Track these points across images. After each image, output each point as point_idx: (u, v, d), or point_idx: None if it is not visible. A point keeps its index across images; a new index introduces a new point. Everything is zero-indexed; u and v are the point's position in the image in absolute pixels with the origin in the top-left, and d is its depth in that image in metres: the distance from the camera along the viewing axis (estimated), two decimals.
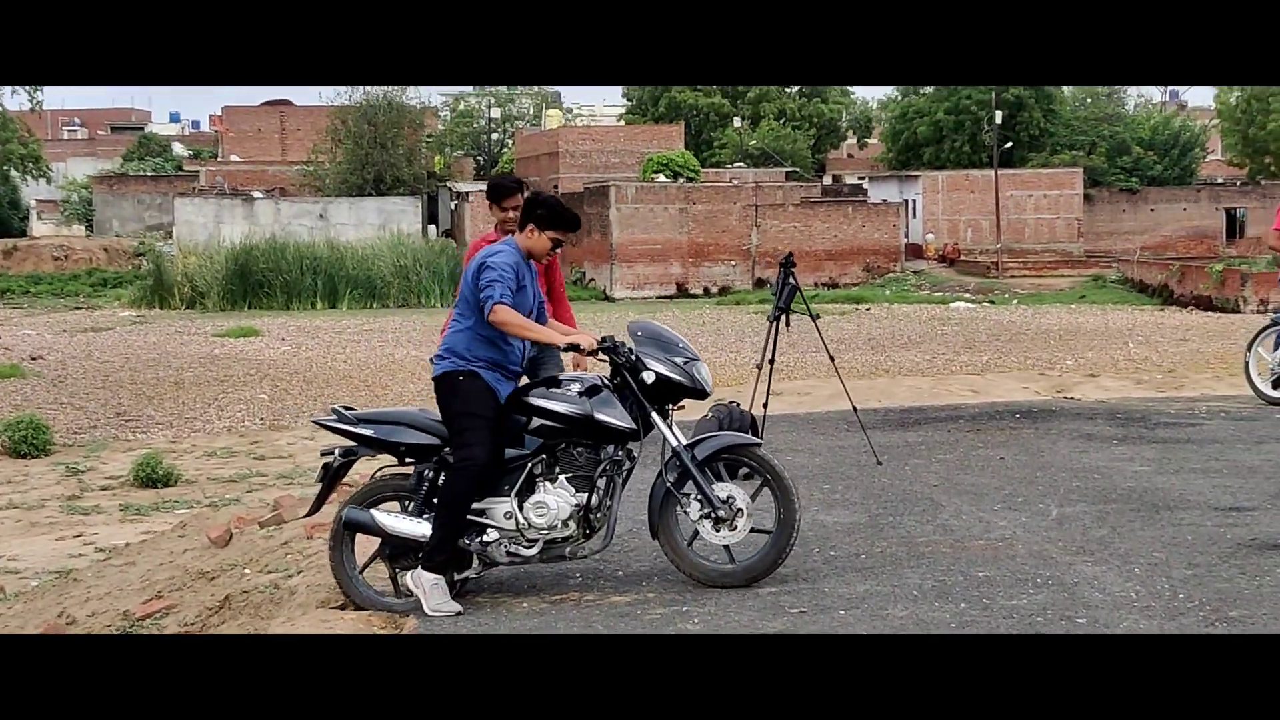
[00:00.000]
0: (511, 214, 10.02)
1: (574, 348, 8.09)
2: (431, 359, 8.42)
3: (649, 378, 8.09)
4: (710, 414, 11.30)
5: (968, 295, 64.44)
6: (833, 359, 13.12)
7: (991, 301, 62.05)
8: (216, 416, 27.40)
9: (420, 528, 8.06)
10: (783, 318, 12.16)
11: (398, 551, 8.17)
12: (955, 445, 12.86)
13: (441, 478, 8.21)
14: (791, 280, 12.10)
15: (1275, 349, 15.03)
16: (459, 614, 7.86)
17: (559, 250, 8.52)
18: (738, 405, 11.46)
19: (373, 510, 8.18)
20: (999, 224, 78.45)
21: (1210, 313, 55.20)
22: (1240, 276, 57.01)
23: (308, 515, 9.38)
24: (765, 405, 12.13)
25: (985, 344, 42.38)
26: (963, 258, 77.86)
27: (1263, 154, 79.21)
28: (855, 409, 12.72)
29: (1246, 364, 15.36)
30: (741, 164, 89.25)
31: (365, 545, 8.31)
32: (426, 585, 7.94)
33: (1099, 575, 8.14)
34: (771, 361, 12.16)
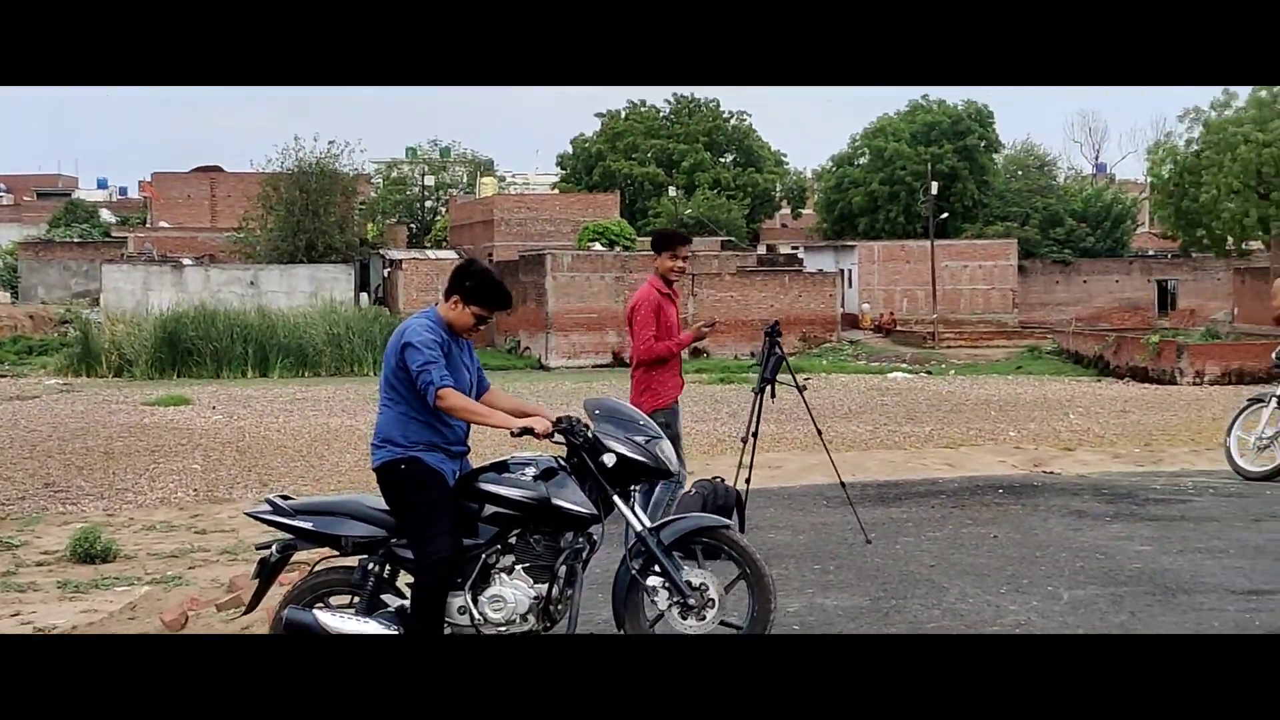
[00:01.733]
0: (683, 263, 10.86)
1: (528, 432, 7.49)
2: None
3: (609, 460, 7.55)
4: (694, 489, 10.77)
5: (905, 365, 64.28)
6: (820, 431, 12.61)
7: (929, 372, 61.89)
8: (149, 487, 26.53)
9: (368, 627, 7.45)
10: (768, 388, 11.64)
11: None
12: (943, 522, 12.36)
13: (387, 570, 7.64)
14: (778, 350, 11.60)
15: (1260, 425, 14.86)
16: None
17: (483, 327, 7.87)
18: (723, 481, 10.93)
19: (315, 610, 7.55)
20: (935, 294, 78.52)
21: (1147, 384, 55.10)
22: (1176, 348, 57.08)
23: (245, 613, 8.72)
24: (748, 481, 11.57)
25: (926, 414, 42.05)
26: (899, 328, 77.89)
27: (1195, 226, 79.62)
28: (844, 484, 12.21)
29: (1228, 448, 15.20)
30: None
31: None
32: None
33: None
34: (755, 435, 11.65)
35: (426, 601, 7.38)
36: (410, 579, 7.63)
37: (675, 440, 10.78)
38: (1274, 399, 14.83)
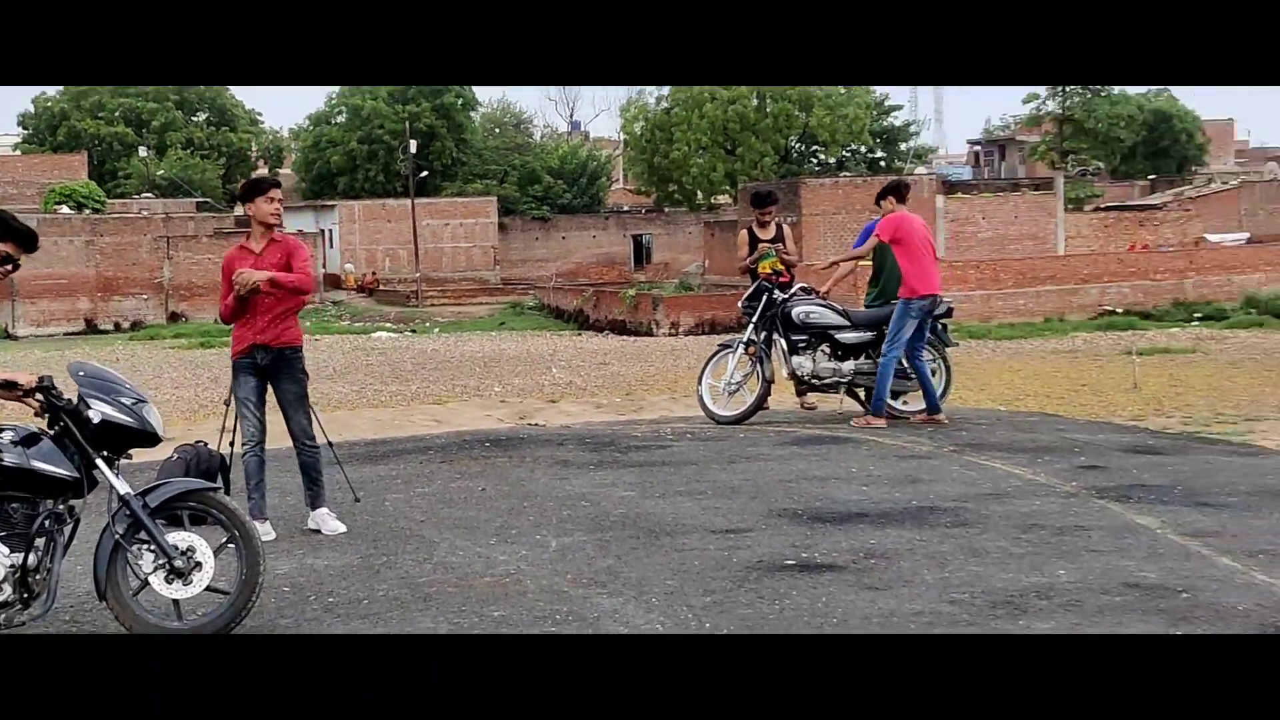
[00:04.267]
0: (276, 205, 10.31)
1: (8, 384, 7.15)
2: None
3: (95, 417, 7.27)
4: (175, 455, 10.46)
5: (389, 325, 64.34)
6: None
7: (413, 330, 62.10)
8: None
9: None
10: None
11: None
12: (432, 477, 12.37)
13: None
14: None
15: (728, 369, 15.46)
16: None
17: (10, 269, 7.52)
18: (205, 445, 10.67)
19: None
20: (417, 253, 78.76)
21: (626, 336, 56.81)
22: (652, 301, 59.02)
23: None
24: (232, 445, 11.27)
25: (411, 373, 42.27)
26: (382, 287, 77.86)
27: (667, 182, 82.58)
28: (331, 444, 12.03)
29: (700, 396, 15.75)
30: (149, 194, 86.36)
31: None
32: None
33: (618, 608, 7.81)
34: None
35: None
36: None
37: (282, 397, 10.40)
38: (740, 345, 15.46)
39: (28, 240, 7.49)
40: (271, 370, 10.33)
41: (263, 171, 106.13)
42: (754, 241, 16.24)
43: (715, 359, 15.79)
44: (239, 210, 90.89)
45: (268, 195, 10.33)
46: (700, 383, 15.82)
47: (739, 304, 16.33)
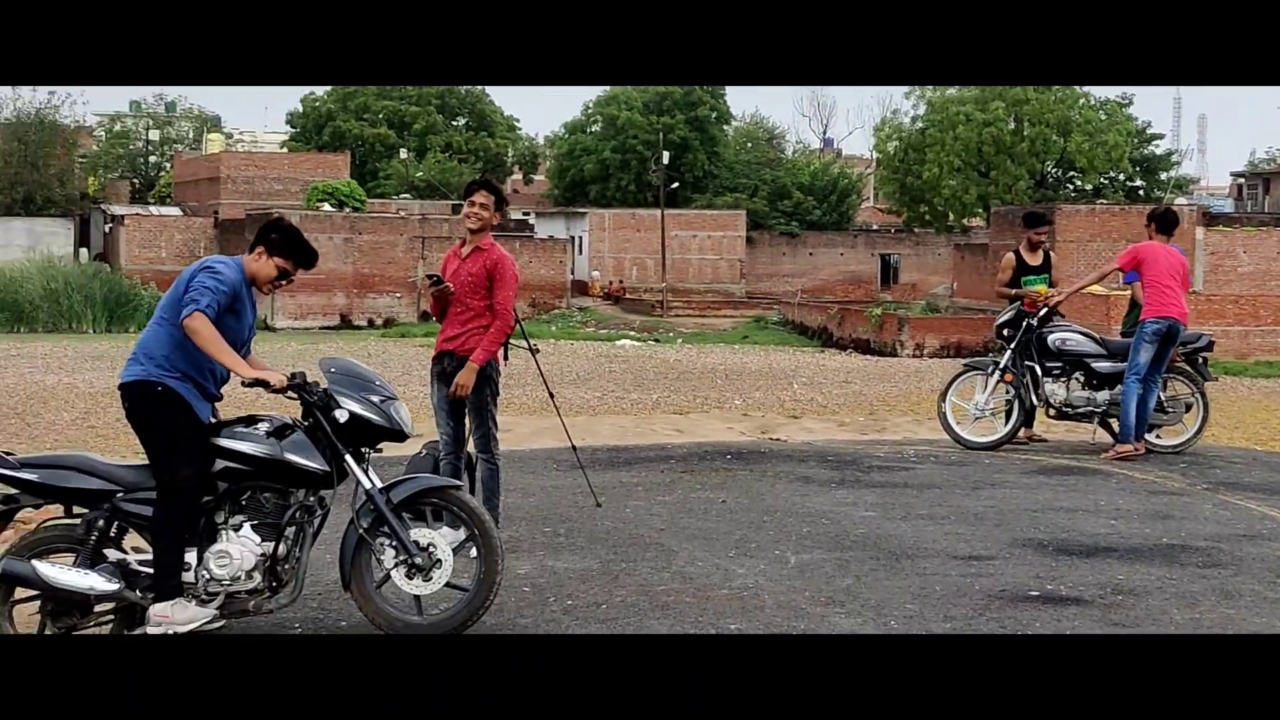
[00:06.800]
0: (469, 208, 9.95)
1: (261, 384, 7.32)
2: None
3: (342, 416, 7.42)
4: (424, 451, 10.61)
5: (633, 333, 64.68)
6: (552, 395, 12.52)
7: (657, 340, 62.34)
8: None
9: (87, 580, 7.24)
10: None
11: (61, 609, 7.34)
12: (672, 487, 12.41)
13: (114, 529, 7.41)
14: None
15: (977, 393, 15.15)
16: (217, 621, 7.32)
17: (285, 283, 7.72)
18: None
19: (34, 561, 7.29)
20: (664, 263, 79.24)
21: (869, 356, 56.32)
22: (898, 321, 58.47)
23: None
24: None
25: (653, 382, 42.38)
26: (628, 296, 78.41)
27: (918, 202, 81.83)
28: (575, 448, 12.17)
29: (943, 414, 15.34)
30: (407, 195, 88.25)
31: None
32: (168, 610, 7.21)
33: (856, 629, 7.73)
34: None
35: (170, 528, 7.25)
36: (137, 539, 7.51)
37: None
38: (994, 368, 15.10)
39: (309, 259, 7.72)
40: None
41: (517, 178, 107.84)
42: (1020, 266, 15.84)
43: (960, 379, 15.48)
44: None
45: (470, 199, 10.02)
46: (944, 401, 15.43)
47: (992, 326, 16.02)
